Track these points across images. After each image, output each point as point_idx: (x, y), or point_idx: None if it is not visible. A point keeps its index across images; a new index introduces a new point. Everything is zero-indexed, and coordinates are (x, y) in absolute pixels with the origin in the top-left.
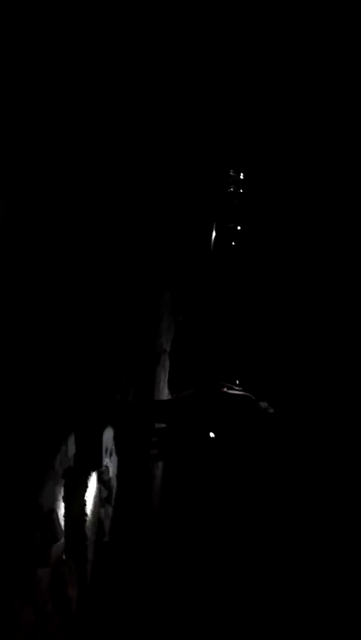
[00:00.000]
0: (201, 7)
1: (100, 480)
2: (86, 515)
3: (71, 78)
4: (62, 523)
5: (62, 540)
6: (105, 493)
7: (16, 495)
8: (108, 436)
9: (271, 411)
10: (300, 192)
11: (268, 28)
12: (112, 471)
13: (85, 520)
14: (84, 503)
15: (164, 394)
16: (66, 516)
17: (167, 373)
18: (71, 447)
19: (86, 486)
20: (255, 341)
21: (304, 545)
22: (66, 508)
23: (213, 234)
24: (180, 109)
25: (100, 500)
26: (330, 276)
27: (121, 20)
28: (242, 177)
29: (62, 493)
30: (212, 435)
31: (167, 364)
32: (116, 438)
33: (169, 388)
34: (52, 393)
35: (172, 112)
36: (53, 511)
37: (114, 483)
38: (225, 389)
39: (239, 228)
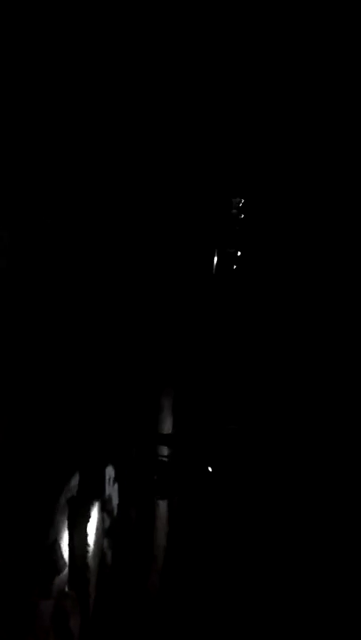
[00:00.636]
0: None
1: (102, 510)
2: (89, 545)
3: (69, 105)
4: (65, 554)
5: (65, 571)
6: (108, 523)
7: (19, 527)
8: (111, 465)
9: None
10: (301, 217)
11: (271, 48)
12: (115, 501)
13: (88, 551)
14: (86, 534)
15: (168, 422)
16: (69, 546)
17: (171, 401)
18: (74, 477)
19: (89, 516)
20: (256, 368)
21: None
22: (69, 538)
23: (215, 259)
24: (180, 135)
25: (103, 531)
26: (332, 298)
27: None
28: (243, 202)
29: (65, 524)
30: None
31: (172, 392)
32: (118, 468)
33: (173, 416)
34: (55, 422)
35: (173, 138)
36: (56, 542)
37: (116, 512)
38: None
39: (240, 253)
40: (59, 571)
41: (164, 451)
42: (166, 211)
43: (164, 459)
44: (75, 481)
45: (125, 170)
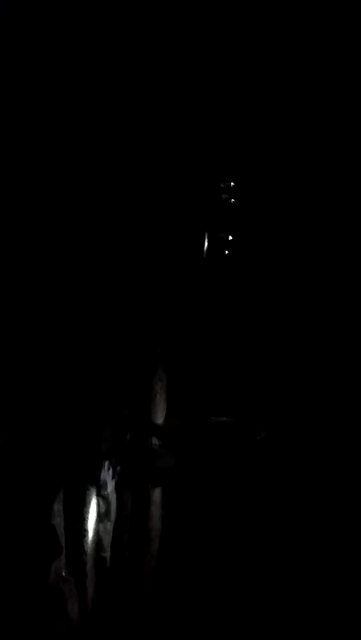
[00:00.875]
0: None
1: (98, 495)
2: (86, 530)
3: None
4: (62, 539)
5: (63, 556)
6: (103, 508)
7: (16, 512)
8: (106, 451)
9: (263, 436)
10: (294, 201)
11: (262, 36)
12: (110, 486)
13: (85, 536)
14: (83, 519)
15: (162, 407)
16: (65, 532)
17: (165, 385)
18: (70, 463)
19: (85, 502)
20: (251, 360)
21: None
22: (65, 523)
23: (206, 244)
24: (168, 121)
25: (99, 516)
26: (328, 287)
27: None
28: (232, 185)
29: (62, 509)
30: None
31: (165, 376)
32: (112, 454)
33: (166, 401)
34: (49, 408)
35: (161, 124)
36: (53, 527)
37: (112, 497)
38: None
39: (231, 237)
40: (56, 555)
41: (157, 439)
42: (155, 195)
43: (157, 447)
44: (70, 467)
45: (114, 153)
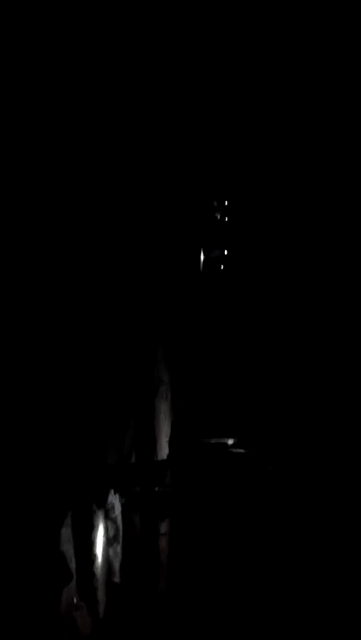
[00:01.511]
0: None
1: (106, 518)
2: (95, 555)
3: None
4: (72, 565)
5: (73, 582)
6: (112, 532)
7: (24, 539)
8: (112, 474)
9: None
10: (288, 217)
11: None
12: (117, 509)
13: (95, 561)
14: (92, 543)
15: (165, 426)
16: (75, 557)
17: (169, 404)
18: (77, 487)
19: (93, 526)
20: (253, 379)
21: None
22: (74, 549)
23: (202, 259)
24: (162, 136)
25: (108, 540)
26: (325, 300)
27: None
28: (226, 204)
29: (70, 535)
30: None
31: (168, 395)
32: (119, 476)
33: (172, 426)
34: (53, 432)
35: (155, 139)
36: (62, 554)
37: (120, 520)
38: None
39: (226, 252)
40: (67, 582)
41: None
42: (150, 212)
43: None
44: (77, 491)
45: (108, 170)
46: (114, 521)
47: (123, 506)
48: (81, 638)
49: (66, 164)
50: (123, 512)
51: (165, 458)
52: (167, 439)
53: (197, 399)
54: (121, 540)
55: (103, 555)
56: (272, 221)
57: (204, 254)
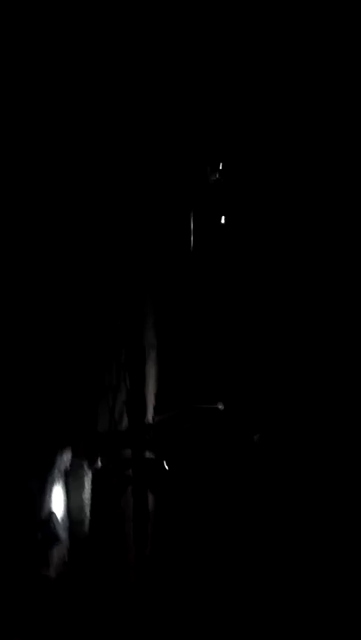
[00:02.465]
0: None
1: (97, 479)
2: (86, 515)
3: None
4: (63, 524)
5: (64, 541)
6: (103, 492)
7: (14, 498)
8: (101, 436)
9: (260, 443)
10: (291, 183)
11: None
12: (108, 471)
13: (86, 520)
14: (83, 504)
15: (152, 390)
16: (68, 517)
17: (156, 367)
18: (66, 448)
19: (84, 487)
20: (243, 350)
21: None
22: (67, 509)
23: (192, 226)
24: (155, 100)
25: (99, 500)
26: (326, 275)
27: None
28: (221, 166)
29: (61, 495)
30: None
31: (154, 355)
32: (108, 439)
33: (158, 389)
34: (46, 393)
35: (148, 103)
36: (53, 514)
37: (110, 482)
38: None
39: (223, 220)
40: (57, 541)
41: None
42: (140, 178)
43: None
44: (68, 453)
45: (100, 134)
46: (105, 482)
47: (113, 468)
48: (70, 594)
49: (56, 128)
50: (113, 474)
51: (152, 421)
52: (154, 403)
53: (185, 363)
54: (112, 501)
55: (94, 514)
56: (268, 188)
57: (195, 222)
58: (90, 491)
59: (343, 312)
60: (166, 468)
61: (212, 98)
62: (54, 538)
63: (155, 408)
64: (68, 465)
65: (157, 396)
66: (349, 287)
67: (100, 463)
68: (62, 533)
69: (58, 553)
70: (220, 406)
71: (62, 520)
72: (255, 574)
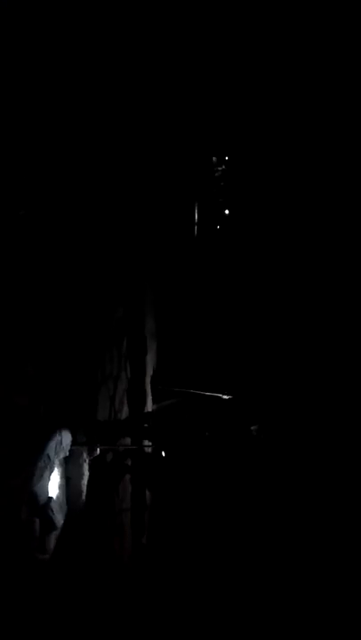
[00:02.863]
0: None
1: (95, 466)
2: (84, 502)
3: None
4: (60, 511)
5: (61, 528)
6: (101, 479)
7: (11, 485)
8: (101, 423)
9: (258, 434)
10: (294, 176)
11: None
12: (107, 459)
13: (83, 506)
14: (81, 490)
15: (149, 376)
16: (66, 503)
17: (155, 355)
18: (66, 436)
19: (82, 474)
20: (245, 342)
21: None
22: (66, 495)
23: (196, 217)
24: (159, 92)
25: (97, 487)
26: (329, 267)
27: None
28: (227, 158)
29: (59, 482)
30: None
31: (154, 345)
32: (107, 427)
33: (155, 375)
34: (45, 380)
35: (152, 95)
36: (50, 499)
37: (109, 469)
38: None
39: (227, 211)
40: (55, 527)
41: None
42: (145, 167)
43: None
44: (67, 439)
45: (104, 126)
46: (103, 469)
47: (111, 456)
48: (68, 579)
49: (58, 126)
50: (111, 462)
51: (152, 409)
52: (150, 388)
53: (187, 351)
54: (110, 488)
55: (92, 501)
56: (271, 181)
57: (199, 212)
58: (88, 478)
59: (345, 302)
60: (163, 455)
61: (219, 91)
62: (52, 524)
63: (154, 396)
64: (67, 452)
65: (158, 384)
66: (352, 279)
67: (98, 451)
68: (60, 519)
69: (55, 538)
70: (225, 396)
71: (60, 506)
72: (253, 564)
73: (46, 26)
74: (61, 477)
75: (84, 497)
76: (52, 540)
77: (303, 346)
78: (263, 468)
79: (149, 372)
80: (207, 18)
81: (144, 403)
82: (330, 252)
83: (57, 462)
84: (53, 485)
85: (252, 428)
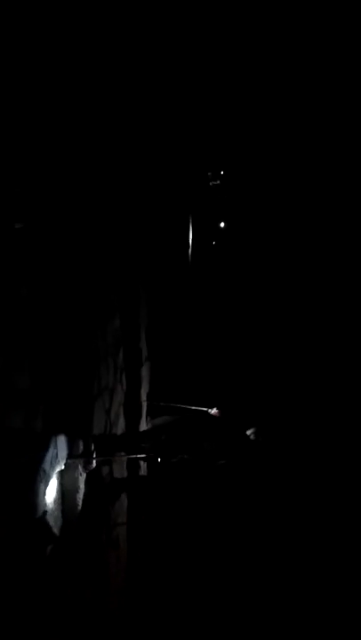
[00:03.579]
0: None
1: (91, 480)
2: (79, 515)
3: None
4: (55, 524)
5: (58, 540)
6: (97, 493)
7: (8, 497)
8: (97, 437)
9: (255, 437)
10: (289, 188)
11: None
12: (103, 471)
13: (78, 521)
14: (77, 504)
15: (144, 392)
16: (60, 517)
17: (149, 372)
18: (62, 449)
19: (78, 487)
20: (239, 355)
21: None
22: (61, 509)
23: (191, 231)
24: (157, 105)
25: (93, 500)
26: (324, 279)
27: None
28: (222, 173)
29: (54, 495)
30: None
31: (148, 364)
32: (103, 440)
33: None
34: (41, 393)
35: (150, 107)
36: (47, 512)
37: (104, 483)
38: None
39: (222, 225)
40: (51, 540)
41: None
42: (141, 180)
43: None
44: (63, 452)
45: (101, 138)
46: (99, 483)
47: (107, 470)
48: (65, 593)
49: (58, 128)
50: (107, 476)
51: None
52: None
53: (174, 367)
54: (106, 502)
55: (88, 514)
56: (267, 194)
57: (194, 227)
58: (84, 491)
59: (345, 306)
60: (159, 461)
61: (215, 107)
62: (48, 537)
63: (149, 412)
64: (63, 465)
65: (152, 400)
66: (345, 290)
67: (94, 464)
68: (56, 532)
69: (51, 552)
70: (214, 411)
71: (56, 520)
72: (253, 568)
73: (45, 35)
74: (57, 491)
75: (79, 510)
76: (49, 553)
77: (300, 349)
78: (263, 471)
79: (145, 386)
80: (204, 32)
81: (140, 416)
82: (324, 268)
83: (53, 475)
84: (49, 498)
85: (249, 432)
